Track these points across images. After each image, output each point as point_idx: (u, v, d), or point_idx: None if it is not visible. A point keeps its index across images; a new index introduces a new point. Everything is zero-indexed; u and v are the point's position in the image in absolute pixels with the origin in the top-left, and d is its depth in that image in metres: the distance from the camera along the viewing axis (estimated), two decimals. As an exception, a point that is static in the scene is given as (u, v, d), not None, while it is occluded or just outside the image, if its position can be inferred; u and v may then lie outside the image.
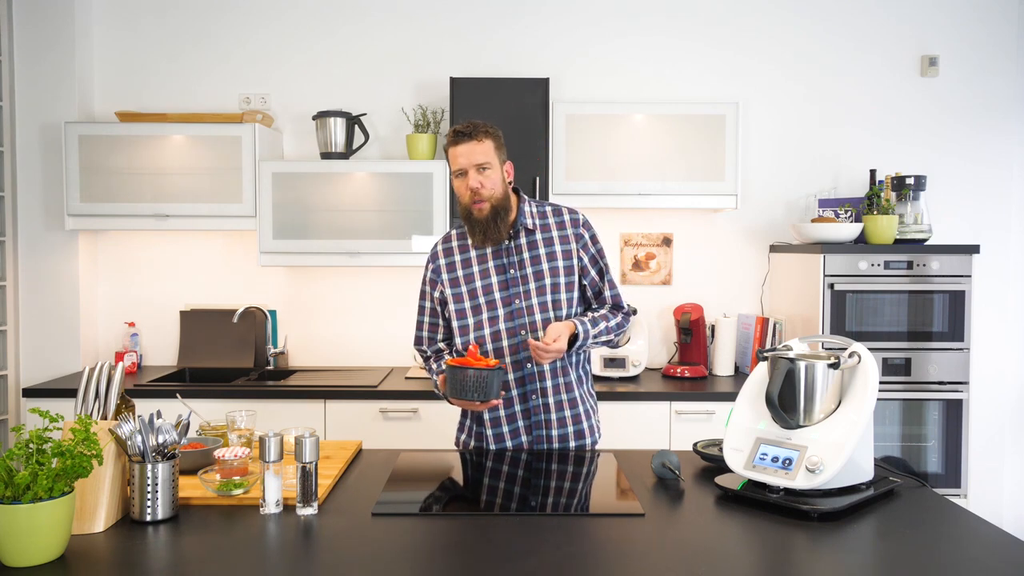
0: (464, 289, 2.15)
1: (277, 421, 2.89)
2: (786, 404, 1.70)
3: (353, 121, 3.50)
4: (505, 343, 2.11)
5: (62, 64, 3.43)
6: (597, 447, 2.20)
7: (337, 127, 3.45)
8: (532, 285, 2.12)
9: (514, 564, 1.37)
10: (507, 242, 2.14)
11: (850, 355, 1.72)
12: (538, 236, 2.16)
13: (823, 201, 3.52)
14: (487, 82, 3.30)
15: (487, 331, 2.12)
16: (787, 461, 1.64)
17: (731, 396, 3.08)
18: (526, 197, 2.21)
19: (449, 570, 1.36)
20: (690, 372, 3.38)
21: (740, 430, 1.76)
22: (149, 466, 1.55)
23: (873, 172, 3.42)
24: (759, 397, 1.78)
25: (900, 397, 3.17)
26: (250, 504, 1.65)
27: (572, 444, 2.14)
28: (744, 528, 1.55)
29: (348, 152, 3.50)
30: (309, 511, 1.60)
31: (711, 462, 1.94)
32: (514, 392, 2.12)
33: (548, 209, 2.21)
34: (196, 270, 3.67)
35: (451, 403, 2.05)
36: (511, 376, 2.12)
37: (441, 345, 2.24)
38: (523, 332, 2.10)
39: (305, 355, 3.68)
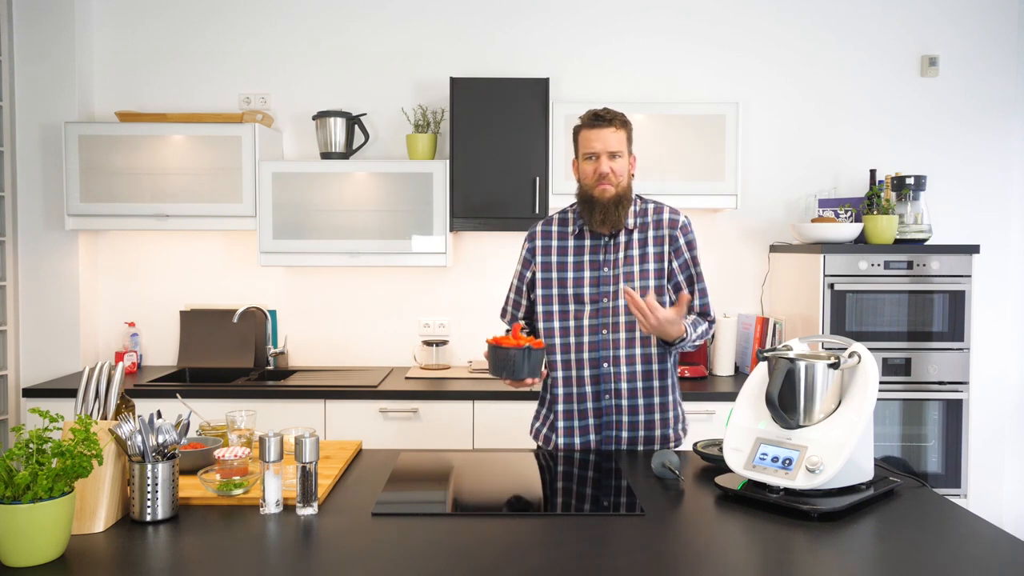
0: (555, 276, 2.15)
1: (277, 421, 2.89)
2: (786, 404, 1.69)
3: (353, 121, 3.50)
4: (586, 339, 2.10)
5: (62, 64, 3.43)
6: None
7: (337, 127, 3.45)
8: (622, 286, 2.10)
9: (514, 564, 1.37)
10: (606, 239, 2.14)
11: (850, 355, 1.72)
12: (635, 236, 2.14)
13: (823, 201, 3.52)
14: (487, 82, 3.30)
15: (571, 323, 2.12)
16: (787, 461, 1.64)
17: (731, 396, 3.08)
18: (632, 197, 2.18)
19: (449, 570, 1.36)
20: (690, 372, 3.38)
21: (740, 430, 1.76)
22: (149, 466, 1.54)
23: (873, 172, 3.42)
24: (759, 397, 1.78)
25: (900, 397, 3.17)
26: (250, 504, 1.65)
27: (641, 448, 2.14)
28: (744, 528, 1.55)
29: (348, 152, 3.50)
30: (309, 511, 1.60)
31: (711, 462, 1.94)
32: (588, 389, 2.12)
33: (650, 207, 2.18)
34: (196, 270, 3.67)
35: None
36: (586, 373, 2.11)
37: (520, 322, 2.24)
38: (604, 331, 2.10)
39: (305, 355, 3.68)
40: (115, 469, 1.57)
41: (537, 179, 3.28)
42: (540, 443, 2.23)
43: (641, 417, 2.13)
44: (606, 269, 2.12)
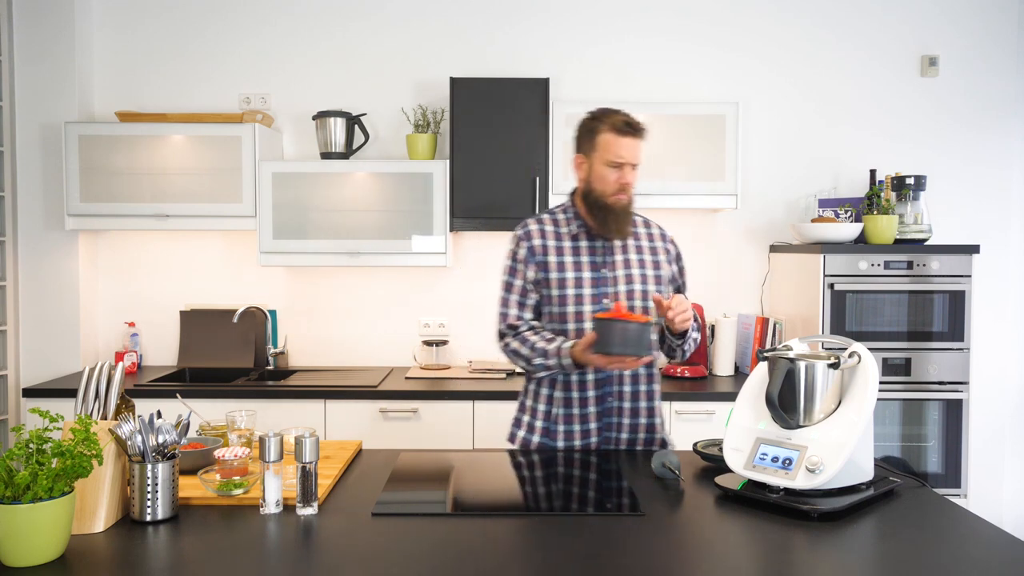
0: (554, 276, 2.12)
1: (277, 421, 2.89)
2: (786, 404, 1.69)
3: (353, 121, 3.50)
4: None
5: (62, 64, 3.43)
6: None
7: (337, 127, 3.45)
8: (622, 288, 2.11)
9: (514, 564, 1.37)
10: (602, 242, 2.14)
11: (850, 355, 1.72)
12: (630, 242, 2.17)
13: (823, 201, 3.52)
14: (487, 82, 3.30)
15: (571, 326, 2.10)
16: (787, 461, 1.64)
17: (731, 396, 3.08)
18: None
19: (449, 570, 1.36)
20: (690, 372, 3.38)
21: (740, 430, 1.76)
22: (149, 466, 1.54)
23: (873, 172, 3.42)
24: (759, 397, 1.78)
25: (900, 397, 3.17)
26: (250, 504, 1.65)
27: (639, 449, 2.14)
28: (744, 528, 1.55)
29: (348, 152, 3.50)
30: (309, 511, 1.60)
31: (711, 462, 1.94)
32: (591, 393, 2.11)
33: (639, 219, 2.23)
34: (196, 270, 3.67)
35: (587, 364, 1.96)
36: (590, 376, 2.10)
37: (535, 323, 2.15)
38: None
39: (305, 355, 3.68)
40: (115, 469, 1.57)
41: (537, 179, 3.28)
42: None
43: (643, 420, 2.14)
44: (605, 270, 2.12)
